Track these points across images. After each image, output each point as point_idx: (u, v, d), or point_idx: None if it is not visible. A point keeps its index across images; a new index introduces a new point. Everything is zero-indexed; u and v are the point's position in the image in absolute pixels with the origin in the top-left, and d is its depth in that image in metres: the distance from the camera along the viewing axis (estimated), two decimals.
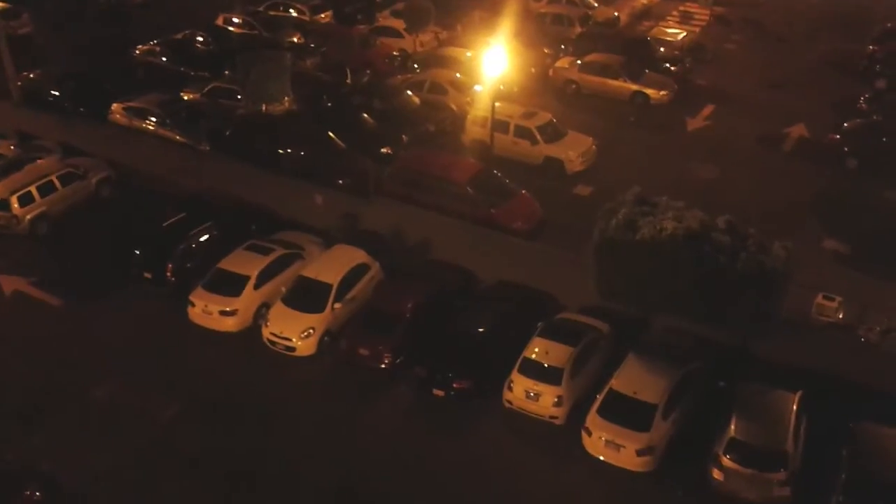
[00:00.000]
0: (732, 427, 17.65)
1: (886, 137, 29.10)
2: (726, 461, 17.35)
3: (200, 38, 37.59)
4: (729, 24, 42.19)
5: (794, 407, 18.07)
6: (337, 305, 21.77)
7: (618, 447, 18.04)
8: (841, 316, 21.01)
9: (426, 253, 24.29)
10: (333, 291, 21.74)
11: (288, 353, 21.28)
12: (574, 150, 28.97)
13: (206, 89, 32.35)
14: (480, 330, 20.63)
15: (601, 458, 18.33)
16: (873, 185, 27.70)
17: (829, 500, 16.74)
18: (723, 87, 35.21)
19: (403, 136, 29.96)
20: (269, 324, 21.47)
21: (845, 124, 30.18)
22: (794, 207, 26.73)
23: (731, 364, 20.06)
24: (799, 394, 18.42)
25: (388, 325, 20.86)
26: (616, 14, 42.14)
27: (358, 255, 23.06)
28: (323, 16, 42.56)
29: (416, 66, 36.57)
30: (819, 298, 21.14)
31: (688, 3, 44.79)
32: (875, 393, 18.83)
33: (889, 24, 37.90)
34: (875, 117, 30.77)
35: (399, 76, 35.33)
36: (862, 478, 16.65)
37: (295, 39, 38.64)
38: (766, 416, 17.91)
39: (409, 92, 32.74)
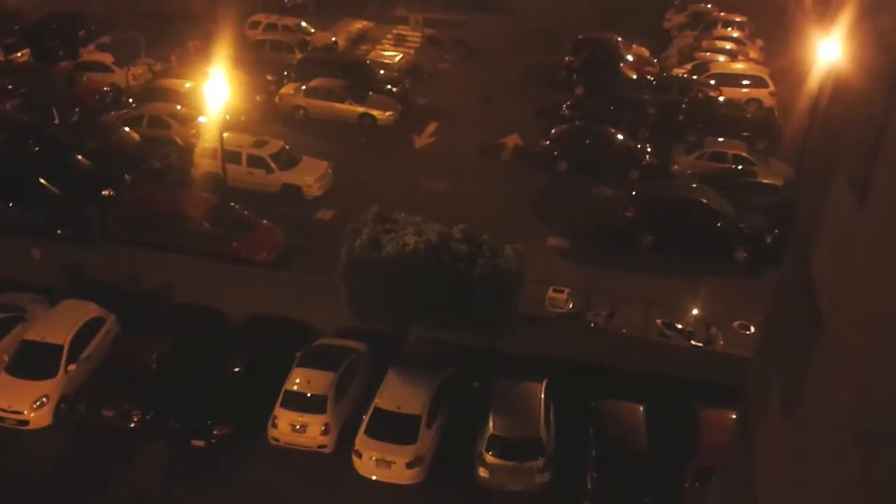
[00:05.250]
0: (490, 424, 18.62)
1: (588, 139, 32.32)
2: (489, 457, 18.27)
3: None
4: (440, 44, 44.41)
5: (542, 395, 19.46)
6: (71, 367, 19.99)
7: (388, 464, 18.32)
8: (571, 305, 22.99)
9: (168, 297, 23.01)
10: (65, 352, 19.97)
11: (20, 427, 19.16)
12: (310, 175, 28.97)
13: None
14: (236, 370, 19.95)
15: (373, 477, 18.52)
16: (582, 182, 30.58)
17: (584, 478, 18.14)
18: (442, 105, 37.04)
19: (126, 176, 28.18)
20: None
21: (552, 130, 33.03)
22: (518, 211, 28.79)
23: (482, 364, 21.14)
24: (545, 382, 19.87)
25: (133, 380, 19.53)
26: (334, 39, 42.78)
27: (89, 309, 21.35)
28: (19, 54, 38.94)
29: (130, 100, 34.55)
30: (550, 292, 22.94)
31: (400, 27, 46.53)
32: (609, 371, 20.73)
33: (581, 36, 41.92)
34: (577, 122, 34.00)
35: (113, 112, 33.20)
36: (608, 451, 18.29)
37: None
38: (518, 408, 19.09)
39: (127, 128, 30.88)
